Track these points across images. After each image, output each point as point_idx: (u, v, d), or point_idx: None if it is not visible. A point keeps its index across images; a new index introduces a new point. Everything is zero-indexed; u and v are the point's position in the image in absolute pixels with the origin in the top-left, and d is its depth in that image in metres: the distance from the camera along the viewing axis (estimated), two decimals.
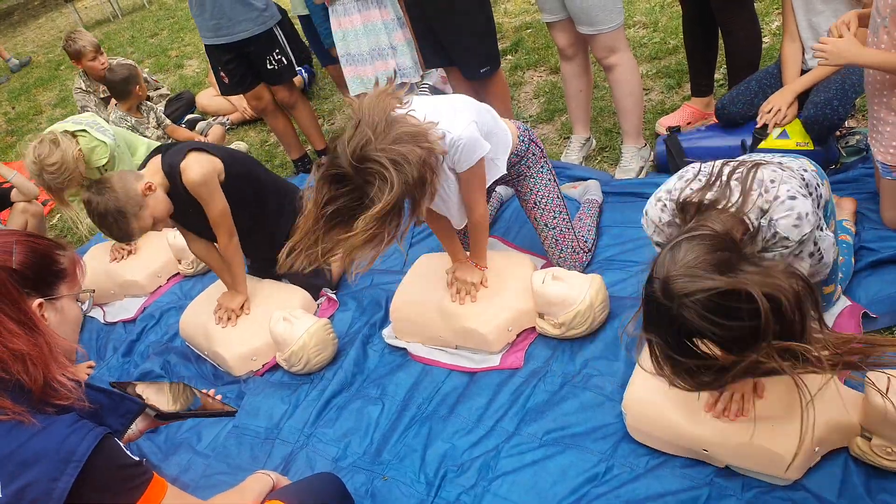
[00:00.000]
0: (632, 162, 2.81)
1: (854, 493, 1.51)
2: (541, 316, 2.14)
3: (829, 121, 2.24)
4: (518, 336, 2.19)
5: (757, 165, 1.43)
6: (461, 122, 1.85)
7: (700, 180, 1.45)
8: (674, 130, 2.74)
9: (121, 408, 1.33)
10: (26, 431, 1.14)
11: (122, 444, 1.24)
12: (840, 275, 1.87)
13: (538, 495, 1.73)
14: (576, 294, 2.03)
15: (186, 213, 2.35)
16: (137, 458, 1.25)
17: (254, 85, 3.38)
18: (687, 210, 1.40)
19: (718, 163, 1.47)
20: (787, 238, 1.39)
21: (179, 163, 2.23)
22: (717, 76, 3.05)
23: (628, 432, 1.78)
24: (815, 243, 1.49)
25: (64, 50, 4.28)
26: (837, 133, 2.45)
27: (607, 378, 1.96)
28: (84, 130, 2.97)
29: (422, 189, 1.68)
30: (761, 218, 1.38)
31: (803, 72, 2.40)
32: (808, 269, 1.50)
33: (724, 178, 1.41)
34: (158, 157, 2.30)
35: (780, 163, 1.56)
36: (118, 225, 2.16)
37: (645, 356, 1.63)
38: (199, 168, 2.22)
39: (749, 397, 1.60)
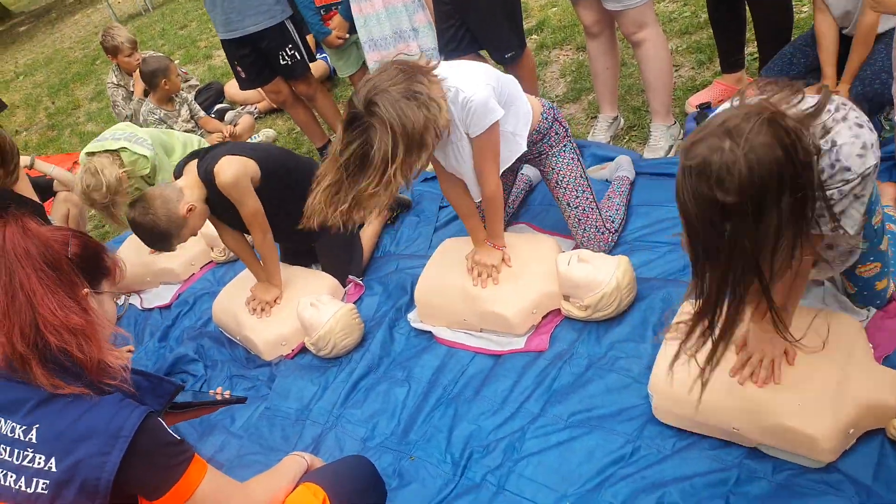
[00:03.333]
0: (661, 140, 2.76)
1: (890, 475, 1.47)
2: (566, 298, 2.12)
3: (879, 95, 2.14)
4: (543, 319, 2.18)
5: (828, 90, 1.30)
6: (477, 83, 1.87)
7: (766, 86, 1.29)
8: (704, 108, 2.67)
9: (158, 389, 1.41)
10: (78, 409, 1.20)
11: (164, 423, 1.29)
12: (892, 269, 1.73)
13: (563, 476, 1.72)
14: (602, 276, 2.01)
15: (225, 211, 2.42)
16: (179, 438, 1.30)
17: (271, 78, 3.39)
18: (746, 98, 1.25)
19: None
20: (848, 169, 1.27)
21: (213, 167, 2.31)
22: (749, 50, 2.97)
23: (654, 414, 1.76)
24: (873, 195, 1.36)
25: (101, 45, 4.37)
26: None
27: (634, 360, 1.94)
28: (124, 147, 3.09)
29: (420, 147, 1.75)
30: (822, 138, 1.26)
31: (842, 42, 2.29)
32: (860, 216, 1.35)
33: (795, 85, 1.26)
34: (195, 164, 2.38)
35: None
36: (160, 243, 2.35)
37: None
38: (230, 171, 2.29)
39: (779, 363, 1.56)
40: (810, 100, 1.26)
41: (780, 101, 1.22)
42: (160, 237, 2.30)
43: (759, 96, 1.24)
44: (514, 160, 2.14)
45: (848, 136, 1.27)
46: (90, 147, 3.12)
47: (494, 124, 1.93)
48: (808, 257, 1.38)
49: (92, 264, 1.35)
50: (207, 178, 2.32)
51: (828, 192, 1.30)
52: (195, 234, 2.42)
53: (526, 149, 2.13)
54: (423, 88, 1.75)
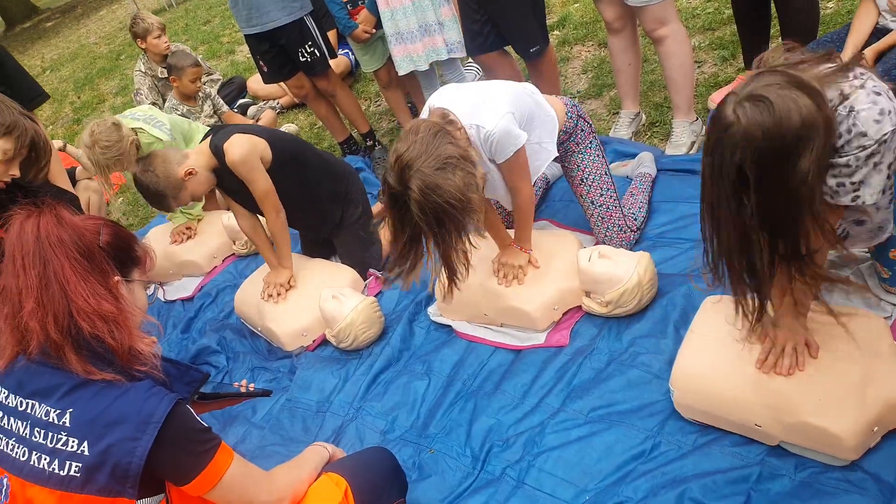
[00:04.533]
0: (683, 137, 2.74)
1: None
2: (587, 294, 2.12)
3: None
4: (564, 314, 2.18)
5: (851, 61, 1.35)
6: (496, 114, 1.86)
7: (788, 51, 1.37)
8: None
9: (186, 376, 1.45)
10: (110, 395, 1.23)
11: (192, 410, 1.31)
12: None
13: (583, 471, 1.73)
14: (623, 272, 2.01)
15: (238, 190, 2.44)
16: (207, 425, 1.32)
17: (293, 73, 3.40)
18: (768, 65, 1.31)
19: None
20: (864, 135, 1.28)
21: (223, 144, 2.34)
22: (773, 46, 2.93)
23: (676, 410, 1.75)
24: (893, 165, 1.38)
25: (130, 30, 4.42)
26: None
27: (655, 356, 1.93)
28: (141, 128, 3.08)
29: (466, 209, 1.71)
30: (840, 105, 1.29)
31: (876, 33, 2.25)
32: (880, 186, 1.36)
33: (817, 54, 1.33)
34: (209, 139, 2.42)
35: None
36: (157, 202, 2.41)
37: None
38: (239, 148, 2.33)
39: (802, 351, 1.56)
40: (830, 66, 1.30)
41: (800, 63, 1.28)
42: (157, 196, 2.36)
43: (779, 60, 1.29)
44: (545, 167, 2.14)
45: (866, 102, 1.29)
46: None
47: (521, 148, 1.93)
48: (821, 254, 1.39)
49: (123, 253, 1.37)
50: (218, 153, 2.37)
51: (845, 159, 1.32)
52: (197, 199, 2.47)
53: (556, 153, 2.13)
54: (452, 150, 1.69)
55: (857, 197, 1.36)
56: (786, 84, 1.20)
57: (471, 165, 1.72)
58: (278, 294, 2.58)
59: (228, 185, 2.46)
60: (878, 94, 1.30)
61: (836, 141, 1.30)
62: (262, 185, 2.39)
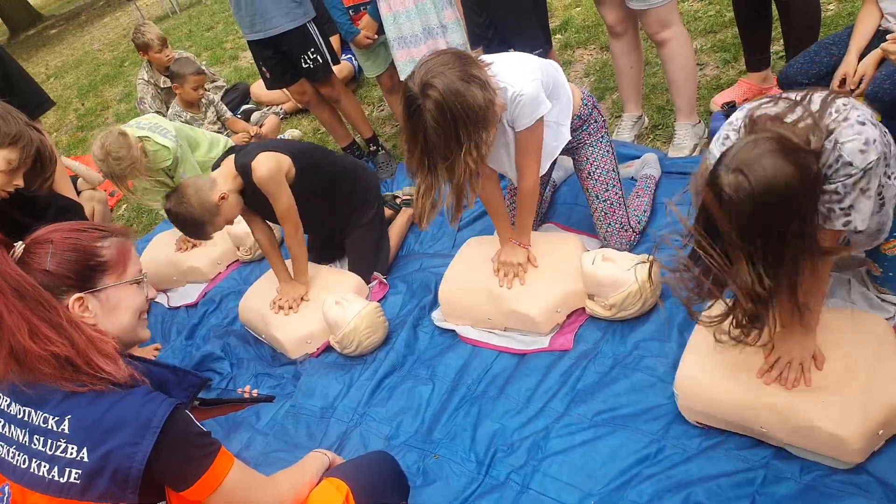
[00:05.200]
0: (685, 139, 2.74)
1: None
2: (590, 297, 2.12)
3: (889, 94, 2.09)
4: (567, 318, 2.18)
5: (833, 94, 1.39)
6: (526, 78, 1.88)
7: (774, 104, 1.41)
8: (729, 106, 2.65)
9: (184, 381, 1.42)
10: (108, 400, 1.22)
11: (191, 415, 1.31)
12: None
13: (588, 475, 1.73)
14: (627, 275, 2.01)
15: (260, 205, 2.48)
16: (206, 430, 1.32)
17: (295, 79, 3.41)
18: (756, 124, 1.34)
19: (793, 94, 1.43)
20: (850, 164, 1.33)
21: (250, 162, 2.38)
22: (775, 49, 2.93)
23: (680, 413, 1.75)
24: (881, 185, 1.42)
25: (132, 41, 4.44)
26: None
27: (659, 359, 1.93)
28: (147, 136, 3.09)
29: (483, 123, 1.75)
30: (825, 140, 1.33)
31: (878, 36, 2.24)
32: (869, 211, 1.41)
33: (798, 99, 1.37)
34: (232, 158, 2.46)
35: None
36: (195, 231, 2.45)
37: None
38: (266, 166, 2.37)
39: (808, 366, 1.55)
40: (817, 99, 1.35)
41: (785, 116, 1.32)
42: (196, 225, 2.39)
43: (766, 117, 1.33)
44: (559, 151, 2.15)
45: (850, 134, 1.33)
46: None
47: (540, 119, 1.94)
48: (827, 258, 1.42)
49: (82, 266, 1.31)
50: (244, 171, 2.40)
51: (833, 186, 1.36)
52: (230, 223, 2.50)
53: (570, 137, 2.14)
54: (479, 73, 1.76)
55: (849, 222, 1.41)
56: (772, 152, 1.24)
57: (492, 94, 1.77)
58: (290, 308, 2.59)
59: (251, 201, 2.50)
60: (863, 123, 1.34)
61: (823, 171, 1.35)
62: (284, 201, 2.44)
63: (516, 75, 1.88)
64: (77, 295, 1.30)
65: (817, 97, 1.38)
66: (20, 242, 1.33)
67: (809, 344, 1.56)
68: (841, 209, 1.39)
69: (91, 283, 1.33)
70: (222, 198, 2.37)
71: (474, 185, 1.87)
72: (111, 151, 2.86)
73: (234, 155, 2.48)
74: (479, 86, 1.74)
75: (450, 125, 1.73)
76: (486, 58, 1.91)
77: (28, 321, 1.21)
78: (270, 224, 2.66)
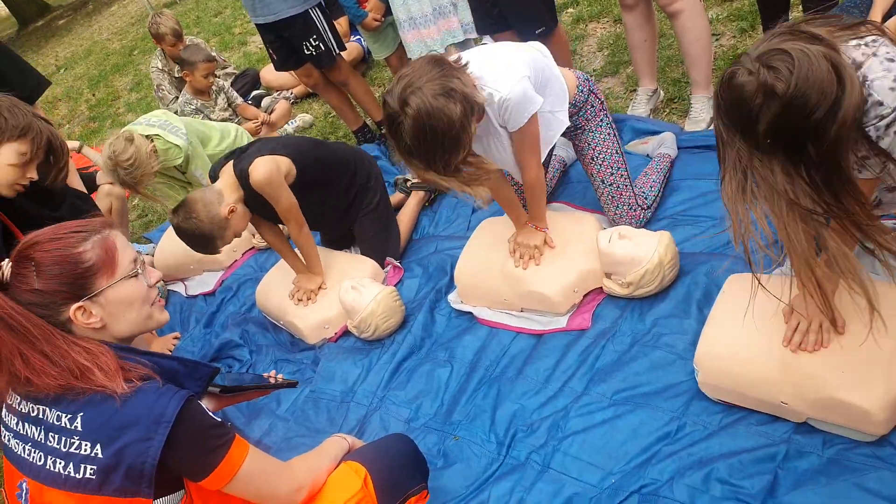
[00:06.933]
0: (702, 112, 2.69)
1: None
2: (608, 276, 2.11)
3: None
4: (585, 297, 2.17)
5: (867, 23, 1.32)
6: (512, 79, 1.83)
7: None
8: None
9: (196, 373, 1.42)
10: (117, 399, 1.23)
11: (204, 406, 1.32)
12: None
13: (608, 454, 1.73)
14: (644, 252, 1.99)
15: (263, 208, 2.45)
16: (220, 420, 1.33)
17: (301, 63, 3.37)
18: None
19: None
20: (881, 104, 1.26)
21: (248, 168, 2.34)
22: (794, 16, 2.86)
23: (700, 390, 1.74)
24: None
25: (148, 29, 4.43)
26: None
27: (678, 336, 1.92)
28: (157, 134, 3.08)
29: (455, 143, 1.70)
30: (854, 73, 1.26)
31: None
32: None
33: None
34: (230, 165, 2.41)
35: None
36: (204, 246, 2.39)
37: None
38: (263, 170, 2.32)
39: (828, 328, 1.53)
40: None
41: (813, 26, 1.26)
42: (205, 240, 2.36)
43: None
44: (557, 138, 2.12)
45: (879, 70, 1.25)
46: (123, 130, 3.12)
47: (533, 116, 1.91)
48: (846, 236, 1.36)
49: (70, 276, 1.28)
50: (242, 176, 2.36)
51: (865, 130, 1.28)
52: (238, 236, 2.46)
53: (568, 123, 2.10)
54: (457, 84, 1.70)
55: (886, 165, 1.33)
56: (801, 38, 1.19)
57: (471, 106, 1.72)
58: (308, 299, 2.59)
59: (253, 206, 2.46)
60: (892, 60, 1.26)
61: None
62: (285, 202, 2.40)
63: (501, 78, 1.83)
64: (76, 305, 1.29)
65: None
66: (7, 261, 1.29)
67: (827, 306, 1.52)
68: (876, 155, 1.31)
69: (85, 290, 1.29)
70: (231, 211, 2.33)
71: (475, 186, 1.83)
72: (120, 162, 2.86)
73: (232, 161, 2.43)
74: (457, 100, 1.68)
75: (429, 143, 1.69)
76: (470, 53, 1.86)
77: (21, 353, 1.22)
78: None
